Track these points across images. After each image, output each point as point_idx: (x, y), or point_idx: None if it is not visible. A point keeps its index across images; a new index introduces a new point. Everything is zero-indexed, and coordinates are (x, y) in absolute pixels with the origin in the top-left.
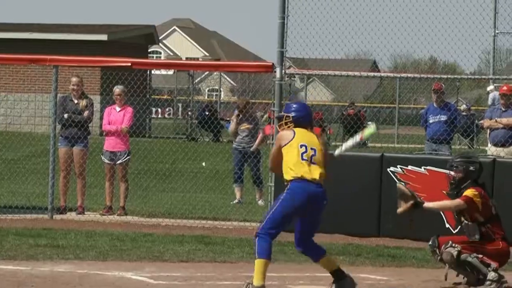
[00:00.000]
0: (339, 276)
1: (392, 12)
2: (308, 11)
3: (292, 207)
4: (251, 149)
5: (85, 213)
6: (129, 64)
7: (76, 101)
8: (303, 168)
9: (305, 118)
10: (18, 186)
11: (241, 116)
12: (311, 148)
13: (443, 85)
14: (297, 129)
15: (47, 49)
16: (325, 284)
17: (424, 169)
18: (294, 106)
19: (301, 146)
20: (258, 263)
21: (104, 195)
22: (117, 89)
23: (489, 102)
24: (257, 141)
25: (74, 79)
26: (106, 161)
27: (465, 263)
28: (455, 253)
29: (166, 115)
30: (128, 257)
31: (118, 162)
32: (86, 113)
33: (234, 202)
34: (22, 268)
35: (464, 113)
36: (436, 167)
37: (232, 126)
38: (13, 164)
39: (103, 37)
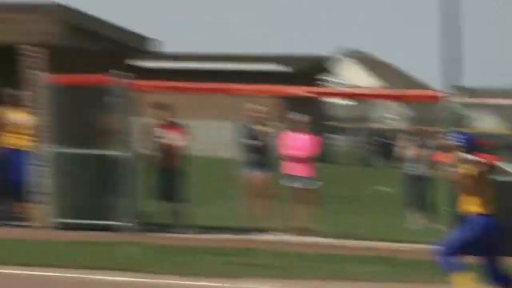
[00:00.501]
0: None
1: None
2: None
3: None
4: None
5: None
6: (311, 94)
7: (258, 128)
8: None
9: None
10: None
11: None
12: None
13: None
14: None
15: (227, 78)
16: None
17: None
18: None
19: None
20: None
21: (292, 216)
22: (302, 116)
23: None
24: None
25: (258, 107)
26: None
27: None
28: None
29: (341, 143)
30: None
31: (308, 187)
32: (269, 141)
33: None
34: (220, 285)
35: None
36: None
37: None
38: (199, 187)
39: (284, 68)
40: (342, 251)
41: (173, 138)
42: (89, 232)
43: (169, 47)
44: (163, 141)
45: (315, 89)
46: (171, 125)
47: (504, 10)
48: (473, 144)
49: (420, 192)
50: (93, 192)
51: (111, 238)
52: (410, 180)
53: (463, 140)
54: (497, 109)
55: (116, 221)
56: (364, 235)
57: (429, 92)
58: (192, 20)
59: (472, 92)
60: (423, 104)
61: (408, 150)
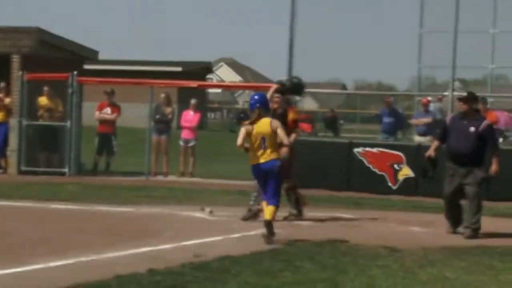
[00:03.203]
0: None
1: (355, 53)
2: (306, 52)
3: None
4: None
5: (168, 176)
6: (196, 85)
7: (164, 108)
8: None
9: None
10: (127, 159)
11: None
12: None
13: (392, 98)
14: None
15: (145, 76)
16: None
17: (376, 149)
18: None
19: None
20: None
21: (179, 165)
22: (193, 100)
23: (431, 109)
24: None
25: (162, 95)
26: (182, 144)
27: None
28: None
29: (216, 117)
30: (194, 203)
31: (190, 144)
32: (170, 116)
33: None
34: (130, 210)
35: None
36: (383, 148)
37: None
38: (123, 146)
39: (179, 69)
40: (212, 187)
41: (110, 113)
42: (45, 176)
43: (104, 55)
44: (103, 115)
45: (201, 82)
46: (110, 105)
47: (332, 17)
48: (267, 102)
49: None
50: (49, 150)
51: (59, 180)
52: None
53: (259, 100)
54: (316, 95)
55: (63, 168)
56: (228, 176)
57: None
58: (119, 35)
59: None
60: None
61: None
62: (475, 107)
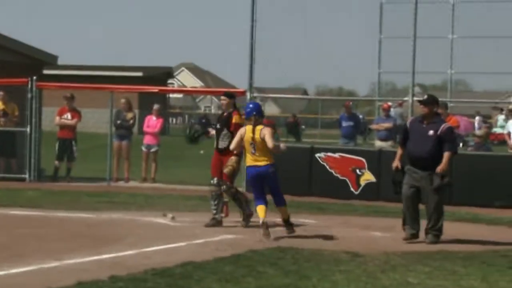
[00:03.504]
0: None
1: (315, 59)
2: (267, 57)
3: None
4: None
5: (130, 182)
6: (157, 90)
7: (125, 113)
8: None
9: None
10: (88, 165)
11: None
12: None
13: (351, 102)
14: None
15: (105, 81)
16: None
17: (338, 155)
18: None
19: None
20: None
21: (141, 170)
22: (155, 106)
23: (392, 114)
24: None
25: (122, 100)
26: (144, 149)
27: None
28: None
29: (178, 122)
30: (156, 208)
31: (152, 150)
32: (131, 121)
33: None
34: (91, 216)
35: (362, 121)
36: (345, 153)
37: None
38: (84, 152)
39: (140, 73)
40: (174, 192)
41: (70, 118)
42: (4, 182)
43: (63, 60)
44: (63, 120)
45: (162, 87)
46: (70, 110)
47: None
48: (261, 110)
49: None
50: (8, 155)
51: (19, 186)
52: None
53: (254, 109)
54: (277, 101)
55: (23, 174)
56: (189, 182)
57: (239, 89)
58: (79, 40)
59: (262, 89)
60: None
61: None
62: (436, 110)
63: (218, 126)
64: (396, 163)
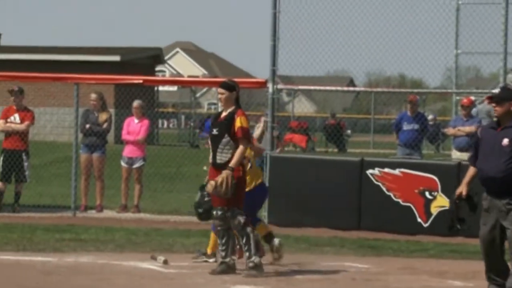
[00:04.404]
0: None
1: (365, 35)
2: (296, 35)
3: None
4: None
5: (104, 211)
6: (141, 81)
7: (96, 114)
8: None
9: None
10: (44, 188)
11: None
12: None
13: (418, 97)
14: None
15: (67, 69)
16: None
17: (399, 171)
18: None
19: None
20: None
21: (120, 195)
22: (135, 103)
23: (474, 114)
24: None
25: (93, 95)
26: (124, 165)
27: None
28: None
29: (170, 126)
30: (142, 249)
31: (135, 166)
32: (105, 125)
33: None
34: (50, 259)
35: (431, 122)
36: (409, 169)
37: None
38: (39, 169)
39: (117, 58)
40: (166, 226)
41: (19, 122)
42: None
43: (8, 39)
44: (9, 125)
45: (149, 77)
46: (18, 110)
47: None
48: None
49: None
50: None
51: None
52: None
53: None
54: (311, 95)
55: None
56: (186, 211)
57: (257, 79)
58: (28, 12)
59: (290, 79)
60: (246, 92)
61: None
62: None
63: (214, 131)
64: (460, 189)
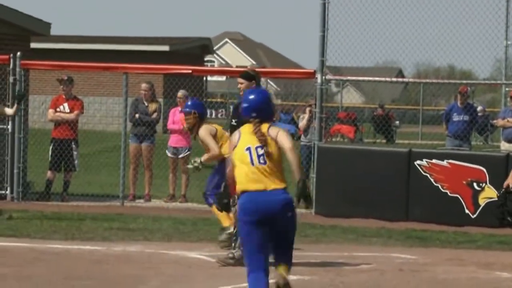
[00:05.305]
0: None
1: (414, 26)
2: (345, 26)
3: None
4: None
5: (152, 200)
6: (190, 71)
7: (146, 104)
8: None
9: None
10: (93, 177)
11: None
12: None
13: (468, 88)
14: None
15: (117, 58)
16: None
17: (447, 162)
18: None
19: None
20: None
21: (168, 184)
22: (180, 93)
23: None
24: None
25: (144, 85)
26: (170, 155)
27: None
28: None
29: (219, 116)
30: (189, 238)
31: (180, 156)
32: (155, 115)
33: None
34: (98, 248)
35: (480, 114)
36: (457, 160)
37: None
38: (88, 158)
39: (166, 48)
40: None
41: (68, 111)
42: None
43: (58, 29)
44: (59, 114)
45: (198, 67)
46: (68, 99)
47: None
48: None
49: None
50: None
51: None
52: (307, 150)
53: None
54: (360, 86)
55: (1, 190)
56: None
57: (306, 70)
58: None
59: (338, 70)
60: (294, 83)
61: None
62: None
63: (233, 122)
64: (508, 181)
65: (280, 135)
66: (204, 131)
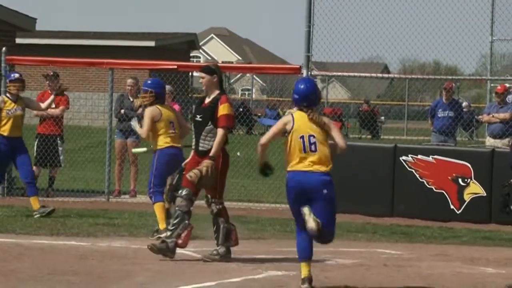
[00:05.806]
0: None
1: (399, 22)
2: (330, 21)
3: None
4: None
5: (137, 196)
6: (176, 67)
7: (131, 99)
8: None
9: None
10: (78, 173)
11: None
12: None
13: (453, 84)
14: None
15: (102, 54)
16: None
17: (432, 158)
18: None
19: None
20: None
21: None
22: (167, 87)
23: (508, 101)
24: None
25: (129, 80)
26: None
27: None
28: None
29: None
30: None
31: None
32: (140, 110)
33: None
34: (83, 244)
35: (465, 109)
36: (443, 156)
37: None
38: (73, 153)
39: (152, 43)
40: (200, 210)
41: (54, 106)
42: None
43: (43, 25)
44: (44, 110)
45: (183, 63)
46: (54, 95)
47: None
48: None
49: None
50: None
51: None
52: None
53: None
54: (345, 81)
55: None
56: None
57: (292, 65)
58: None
59: (324, 65)
60: (280, 78)
61: None
62: None
63: (198, 117)
64: None
65: (329, 121)
66: (148, 112)
